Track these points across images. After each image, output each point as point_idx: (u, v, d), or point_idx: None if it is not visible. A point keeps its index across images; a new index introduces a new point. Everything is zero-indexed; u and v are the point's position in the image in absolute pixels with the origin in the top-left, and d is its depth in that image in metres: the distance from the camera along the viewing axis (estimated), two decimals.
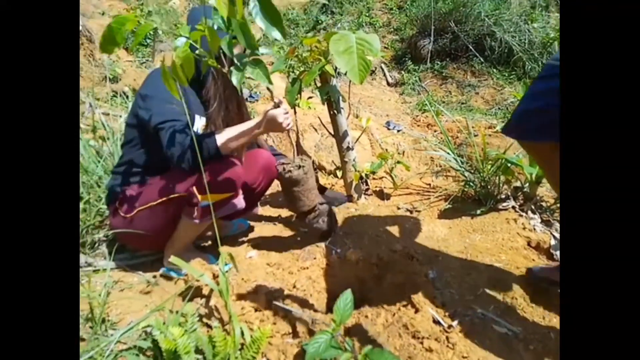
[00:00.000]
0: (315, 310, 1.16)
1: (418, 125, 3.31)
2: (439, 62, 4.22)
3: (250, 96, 3.16)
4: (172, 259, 1.11)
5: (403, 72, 4.38)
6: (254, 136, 1.26)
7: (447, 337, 1.05)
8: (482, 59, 3.96)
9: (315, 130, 2.61)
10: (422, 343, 1.02)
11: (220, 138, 1.20)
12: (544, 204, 1.70)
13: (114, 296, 1.20)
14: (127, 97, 2.57)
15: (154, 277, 1.33)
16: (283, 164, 1.38)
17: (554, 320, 1.17)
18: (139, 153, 1.25)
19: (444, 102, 3.81)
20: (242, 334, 1.01)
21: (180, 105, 1.15)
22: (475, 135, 2.65)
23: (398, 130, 3.06)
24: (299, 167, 1.35)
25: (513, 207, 1.69)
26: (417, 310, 1.11)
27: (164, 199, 1.20)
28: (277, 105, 1.22)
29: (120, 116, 2.02)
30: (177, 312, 1.07)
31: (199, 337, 0.99)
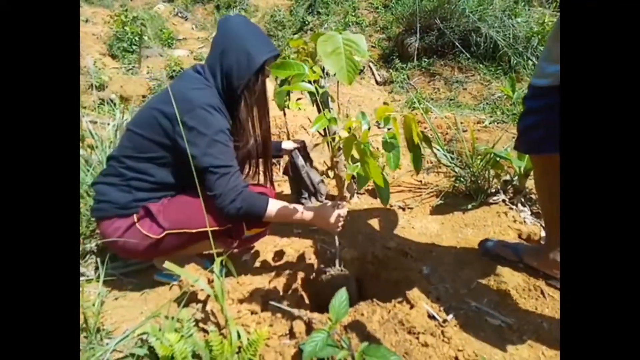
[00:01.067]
0: (312, 310, 1.16)
1: None
2: (426, 60, 4.25)
3: None
4: (167, 264, 1.10)
5: (391, 70, 4.40)
6: (300, 222, 1.25)
7: (442, 332, 1.06)
8: (468, 55, 4.00)
9: (306, 131, 2.61)
10: (417, 338, 1.03)
11: (271, 208, 1.17)
12: (533, 196, 1.72)
13: (109, 305, 1.19)
14: (115, 104, 2.54)
15: (149, 284, 1.32)
16: None
17: (546, 311, 1.19)
18: (166, 172, 1.19)
19: (432, 99, 3.84)
20: (239, 337, 1.01)
21: (228, 142, 1.16)
22: (464, 131, 2.68)
23: (388, 129, 3.08)
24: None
25: (503, 201, 1.71)
26: (412, 306, 1.12)
27: (203, 229, 1.12)
28: (337, 205, 1.21)
29: (108, 124, 2.00)
30: (172, 318, 1.06)
31: (195, 342, 0.99)
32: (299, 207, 1.21)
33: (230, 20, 1.20)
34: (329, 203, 1.23)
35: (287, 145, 1.63)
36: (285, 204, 1.20)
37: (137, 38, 3.53)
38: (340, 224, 1.20)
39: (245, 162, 1.33)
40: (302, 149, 1.62)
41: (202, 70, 1.21)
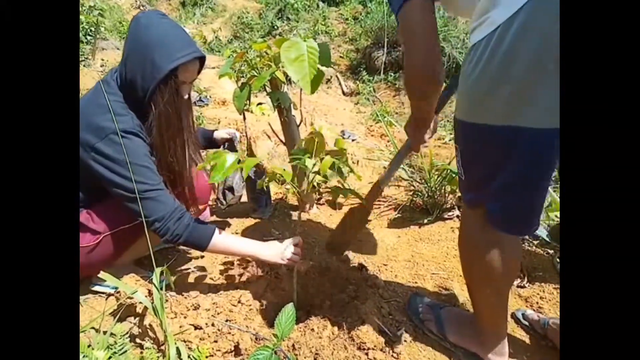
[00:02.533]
0: (261, 325, 1.11)
1: (372, 135, 3.37)
2: (392, 74, 4.35)
3: (200, 100, 3.05)
4: (102, 274, 1.01)
5: (358, 82, 4.47)
6: (250, 257, 1.20)
7: (392, 347, 1.05)
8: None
9: (269, 137, 2.57)
10: (367, 354, 1.01)
11: (216, 240, 1.10)
12: None
13: None
14: None
15: (83, 295, 1.21)
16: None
17: None
18: (89, 193, 1.12)
19: (397, 112, 3.93)
20: (179, 354, 0.94)
21: (150, 163, 1.07)
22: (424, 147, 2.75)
23: (352, 140, 3.10)
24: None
25: (457, 216, 1.75)
26: (363, 322, 1.10)
27: (137, 221, 1.05)
28: (293, 243, 1.16)
29: None
30: (104, 332, 0.97)
31: (128, 359, 0.91)
32: (249, 240, 1.16)
33: (138, 21, 1.03)
34: (285, 241, 1.18)
35: (220, 134, 1.57)
36: (232, 236, 1.16)
37: (92, 29, 3.31)
38: (294, 258, 1.15)
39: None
40: (229, 143, 1.57)
41: (112, 81, 1.07)
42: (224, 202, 1.63)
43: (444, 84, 0.92)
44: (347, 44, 5.01)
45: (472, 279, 0.99)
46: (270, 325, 1.11)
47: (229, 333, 1.04)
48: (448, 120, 3.63)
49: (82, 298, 1.18)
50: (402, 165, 2.06)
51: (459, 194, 1.83)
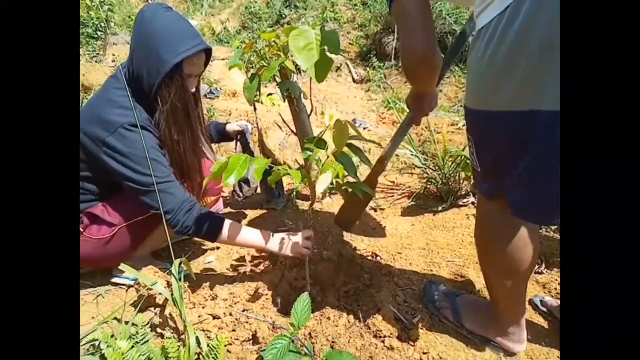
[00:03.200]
0: (277, 314, 1.13)
1: (384, 123, 3.34)
2: None
3: (211, 92, 3.06)
4: (122, 266, 1.04)
5: (368, 69, 4.40)
6: (261, 249, 1.21)
7: (408, 334, 1.06)
8: (444, 57, 4.06)
9: (280, 127, 2.56)
10: (383, 342, 1.02)
11: (226, 232, 1.11)
12: None
13: None
14: None
15: (104, 287, 1.24)
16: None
17: None
18: (104, 185, 1.14)
19: None
20: (199, 343, 0.96)
21: (160, 156, 1.08)
22: (437, 133, 2.71)
23: (364, 128, 3.07)
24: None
25: (472, 203, 1.73)
26: (379, 309, 1.11)
27: (150, 213, 1.09)
28: (304, 235, 1.16)
29: None
30: (126, 322, 1.00)
31: (150, 348, 0.93)
32: (261, 232, 1.16)
33: (143, 15, 1.03)
34: (298, 233, 1.18)
35: (232, 127, 1.57)
36: (244, 227, 1.15)
37: (102, 24, 3.34)
38: (305, 251, 1.15)
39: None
40: (241, 135, 1.57)
41: (121, 77, 1.08)
42: (241, 195, 1.64)
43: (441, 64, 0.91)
44: (356, 30, 4.93)
45: (490, 268, 0.97)
46: (286, 313, 1.13)
47: (246, 322, 1.06)
48: (461, 105, 3.56)
49: (103, 289, 1.22)
50: (415, 153, 2.04)
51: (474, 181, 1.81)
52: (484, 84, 0.73)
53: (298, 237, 1.16)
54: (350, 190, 1.05)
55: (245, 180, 1.64)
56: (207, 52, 1.11)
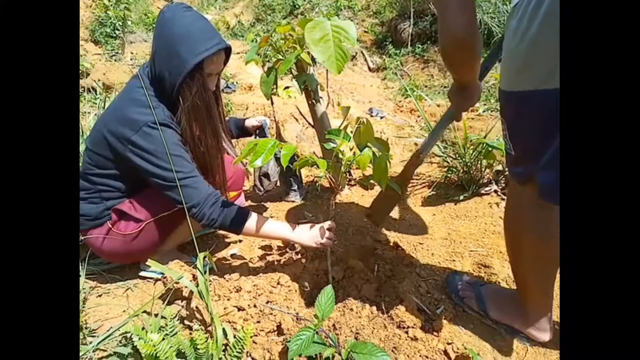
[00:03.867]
0: (301, 306, 1.14)
1: (401, 111, 3.29)
2: (419, 46, 4.18)
3: (227, 87, 3.08)
4: (150, 262, 1.07)
5: (384, 56, 4.34)
6: (284, 240, 1.22)
7: (432, 325, 1.05)
8: (490, 50, 3.94)
9: (297, 120, 2.56)
10: (407, 332, 1.02)
11: (251, 224, 1.13)
12: None
13: (92, 302, 1.16)
14: (96, 92, 2.45)
15: (133, 280, 1.29)
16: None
17: None
18: (132, 181, 1.17)
19: (426, 86, 3.80)
20: (225, 334, 0.99)
21: (183, 152, 1.10)
22: None
23: (381, 117, 3.04)
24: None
25: (495, 191, 1.69)
26: (402, 300, 1.11)
27: (176, 208, 1.12)
28: (326, 227, 1.17)
29: (89, 113, 1.93)
30: (156, 315, 1.04)
31: (180, 340, 0.96)
32: (284, 224, 1.18)
33: (162, 15, 1.05)
34: (317, 225, 1.18)
35: (251, 122, 1.58)
36: (268, 219, 1.17)
37: (120, 23, 3.40)
38: (324, 241, 1.16)
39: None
40: (260, 130, 1.58)
41: (143, 77, 1.10)
42: (262, 189, 1.66)
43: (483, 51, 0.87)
44: (371, 17, 4.85)
45: (520, 257, 0.95)
46: (309, 305, 1.14)
47: (271, 314, 1.08)
48: (481, 91, 3.47)
49: (132, 283, 1.26)
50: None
51: (496, 168, 1.76)
52: (516, 64, 0.72)
53: (320, 229, 1.16)
54: (385, 184, 1.04)
55: (266, 175, 1.65)
56: (227, 51, 1.13)
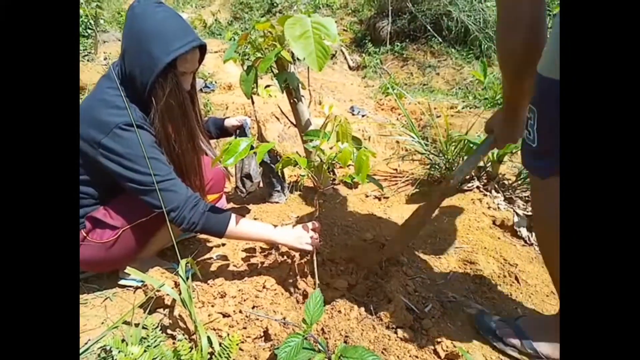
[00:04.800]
0: (287, 310, 1.12)
1: (382, 109, 3.30)
2: (398, 44, 4.21)
3: (206, 86, 3.01)
4: (129, 269, 1.03)
5: (364, 54, 4.34)
6: (267, 242, 1.20)
7: (420, 324, 1.05)
8: (440, 39, 3.99)
9: (278, 119, 2.53)
10: (396, 333, 1.02)
11: (233, 226, 1.09)
12: (506, 182, 1.74)
13: None
14: None
15: (111, 289, 1.23)
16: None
17: (520, 296, 1.20)
18: (105, 188, 1.12)
19: (406, 84, 3.82)
20: (210, 342, 0.95)
21: (158, 154, 1.05)
22: (438, 117, 2.68)
23: (362, 116, 3.04)
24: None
25: (477, 187, 1.71)
26: (390, 300, 1.10)
27: (153, 213, 1.07)
28: (310, 227, 1.15)
29: None
30: (137, 325, 0.99)
31: (163, 351, 0.92)
32: (267, 225, 1.16)
33: (132, 10, 0.99)
34: (299, 225, 1.17)
35: (231, 122, 1.54)
36: (250, 221, 1.14)
37: (92, 21, 3.27)
38: (309, 243, 1.14)
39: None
40: (241, 130, 1.54)
41: (113, 76, 1.05)
42: (244, 190, 1.62)
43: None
44: (349, 15, 4.85)
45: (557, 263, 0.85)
46: (297, 308, 1.12)
47: (257, 319, 1.05)
48: (460, 88, 3.52)
49: (110, 292, 1.21)
50: (417, 139, 2.01)
51: (478, 165, 1.78)
52: (550, 49, 0.69)
53: (304, 229, 1.14)
54: (364, 179, 1.01)
55: (248, 176, 1.62)
56: (202, 49, 1.08)
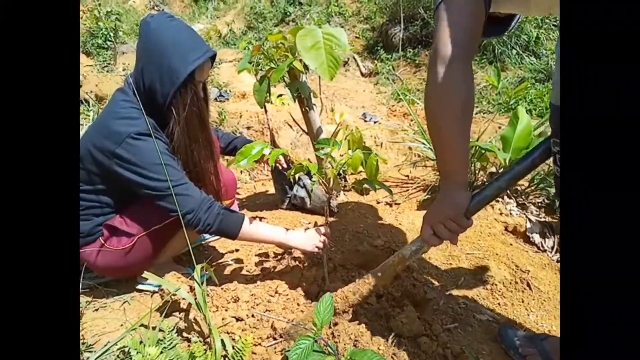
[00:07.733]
0: (299, 314, 1.14)
1: (394, 115, 3.31)
2: (411, 50, 4.23)
3: (220, 95, 3.08)
4: (146, 274, 1.06)
5: (376, 61, 4.37)
6: (278, 245, 1.23)
7: (430, 330, 1.05)
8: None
9: (291, 127, 2.57)
10: (405, 338, 1.02)
11: (247, 228, 1.13)
12: (518, 187, 1.73)
13: (88, 317, 1.15)
14: (89, 103, 2.44)
15: (129, 293, 1.28)
16: None
17: (532, 302, 1.20)
18: (121, 196, 1.16)
19: (418, 90, 3.83)
20: (224, 345, 0.98)
21: (171, 160, 1.09)
22: None
23: (375, 122, 3.06)
24: None
25: None
26: (399, 306, 1.11)
27: (168, 220, 1.11)
28: (323, 233, 1.18)
29: (82, 125, 1.92)
30: (154, 328, 1.03)
31: (178, 353, 0.95)
32: (279, 228, 1.19)
33: (148, 26, 1.04)
34: (311, 227, 1.19)
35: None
36: (263, 224, 1.17)
37: (111, 34, 3.40)
38: (318, 245, 1.17)
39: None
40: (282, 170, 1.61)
41: (129, 89, 1.09)
42: (286, 200, 1.73)
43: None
44: (362, 23, 4.89)
45: None
46: (308, 313, 1.14)
47: (269, 323, 1.08)
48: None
49: (129, 296, 1.25)
50: (428, 145, 2.01)
51: (490, 170, 1.78)
52: (557, 80, 0.69)
53: (315, 233, 1.17)
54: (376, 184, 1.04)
55: (302, 199, 1.72)
56: (212, 58, 1.14)
